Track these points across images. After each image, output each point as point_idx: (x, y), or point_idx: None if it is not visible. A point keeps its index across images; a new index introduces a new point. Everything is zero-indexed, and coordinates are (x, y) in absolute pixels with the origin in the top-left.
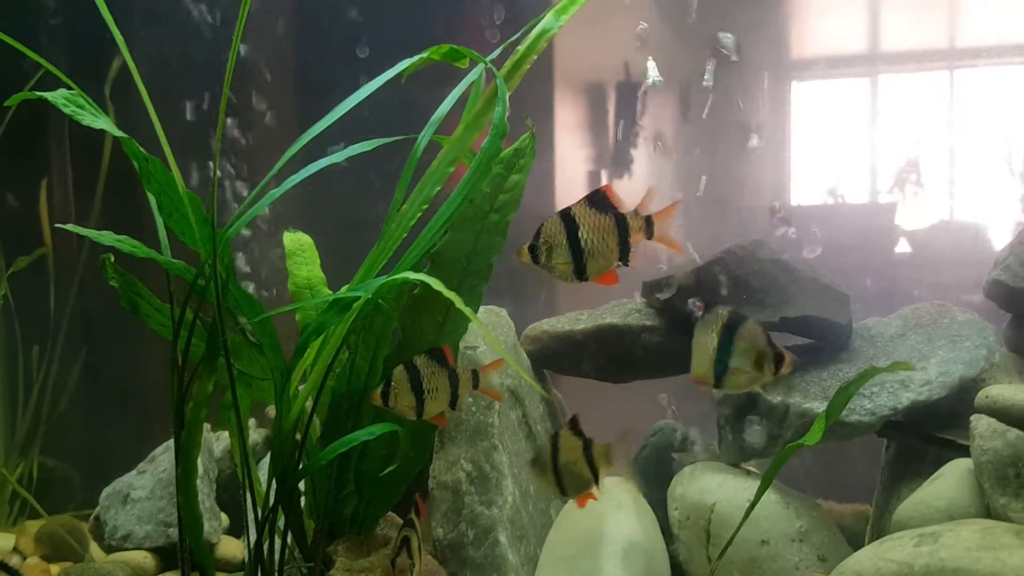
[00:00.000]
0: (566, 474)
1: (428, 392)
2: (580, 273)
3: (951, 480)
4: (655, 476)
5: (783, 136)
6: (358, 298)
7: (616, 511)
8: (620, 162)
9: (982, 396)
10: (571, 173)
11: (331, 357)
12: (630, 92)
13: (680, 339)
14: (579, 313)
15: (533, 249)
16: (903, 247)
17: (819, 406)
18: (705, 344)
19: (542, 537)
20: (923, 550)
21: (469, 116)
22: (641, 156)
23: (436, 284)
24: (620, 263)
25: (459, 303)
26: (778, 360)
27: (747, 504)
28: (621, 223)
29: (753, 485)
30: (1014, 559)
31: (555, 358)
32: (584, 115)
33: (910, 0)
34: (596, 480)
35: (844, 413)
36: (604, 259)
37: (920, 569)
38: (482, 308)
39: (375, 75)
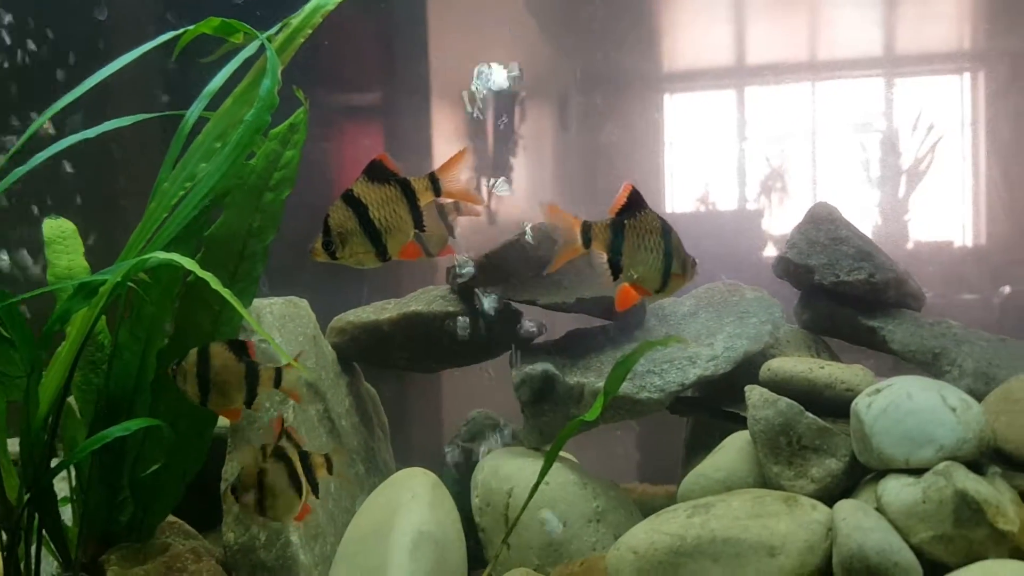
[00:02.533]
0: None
1: (216, 384)
2: (383, 254)
3: (730, 452)
4: (467, 466)
5: (656, 146)
6: (104, 282)
7: (410, 501)
8: (500, 170)
9: (764, 369)
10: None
11: (77, 348)
12: (508, 101)
13: (482, 323)
14: (386, 302)
15: (327, 245)
16: (771, 251)
17: None
18: (652, 250)
19: (342, 535)
20: (695, 521)
21: (239, 89)
22: (520, 164)
23: (207, 275)
24: (417, 230)
25: (229, 296)
26: (692, 264)
27: (545, 486)
28: (407, 189)
29: (553, 468)
30: (781, 526)
31: (363, 350)
32: (462, 125)
33: (774, 15)
34: (315, 491)
35: (635, 390)
36: (401, 232)
37: (692, 540)
38: (281, 299)
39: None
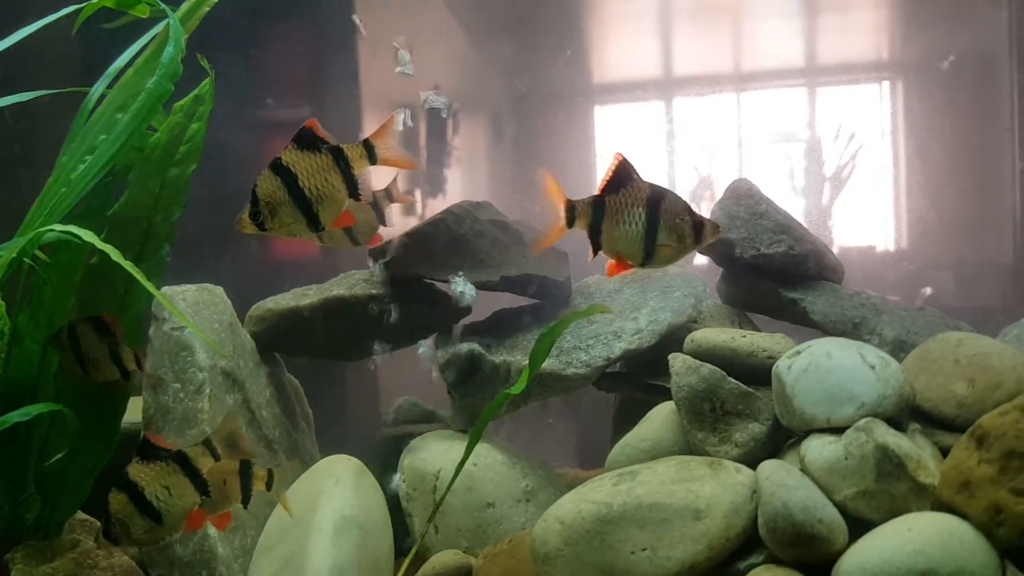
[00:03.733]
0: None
1: (89, 360)
2: (315, 225)
3: (655, 421)
4: (396, 453)
5: (588, 157)
6: None
7: (333, 487)
8: (433, 183)
9: (688, 340)
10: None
11: None
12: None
13: (408, 307)
14: (307, 288)
15: (255, 216)
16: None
17: None
18: (631, 221)
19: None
20: (621, 488)
21: (141, 60)
22: (454, 176)
23: (108, 248)
24: (352, 199)
25: (134, 271)
26: (699, 229)
27: (473, 468)
28: (339, 157)
29: (480, 448)
30: (706, 489)
31: (283, 338)
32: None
33: (699, 28)
34: (245, 502)
35: (561, 366)
36: (335, 202)
37: (619, 507)
38: (194, 286)
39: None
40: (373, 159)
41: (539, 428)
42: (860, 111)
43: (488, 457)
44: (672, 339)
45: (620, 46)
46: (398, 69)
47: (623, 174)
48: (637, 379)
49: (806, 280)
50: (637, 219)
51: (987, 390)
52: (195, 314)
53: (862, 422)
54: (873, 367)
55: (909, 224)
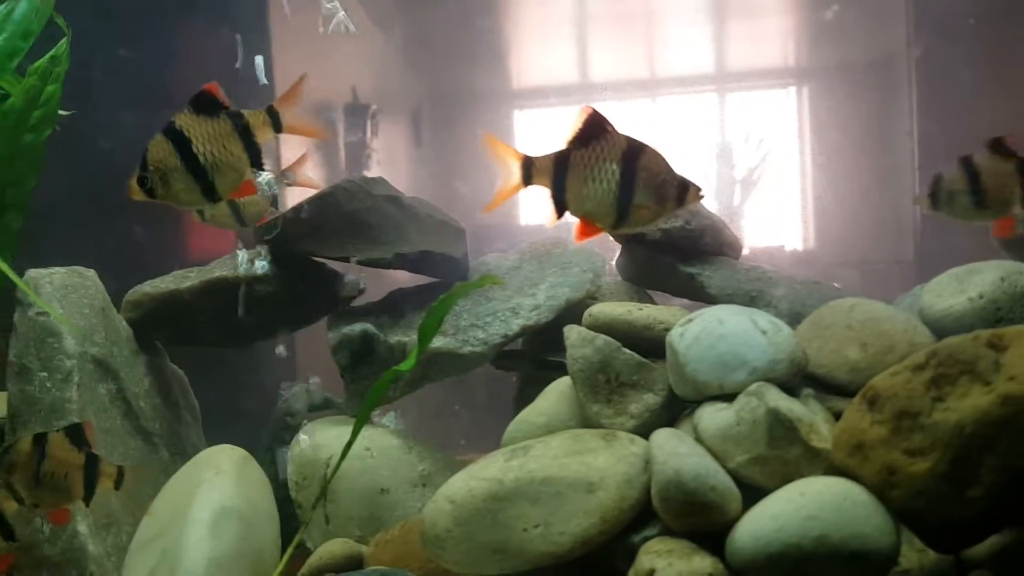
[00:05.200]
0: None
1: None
2: (210, 194)
3: (552, 396)
4: (288, 442)
5: None
6: None
7: (213, 477)
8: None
9: (586, 315)
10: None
11: None
12: (359, 114)
13: (297, 288)
14: (188, 271)
15: (143, 181)
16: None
17: (435, 341)
18: (602, 179)
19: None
20: (513, 464)
21: None
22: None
23: None
24: (255, 169)
25: None
26: (682, 191)
27: (366, 453)
28: (240, 123)
29: (372, 433)
30: (599, 461)
31: (164, 325)
32: (313, 140)
33: (614, 34)
34: (87, 499)
35: (457, 345)
36: (233, 171)
37: (511, 483)
38: (63, 268)
39: None
40: (278, 127)
41: (445, 415)
42: (769, 115)
43: (383, 442)
44: (571, 315)
45: (538, 51)
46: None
47: (594, 127)
48: (536, 356)
49: (704, 256)
50: (610, 177)
51: (880, 354)
52: (63, 298)
53: (753, 387)
54: (765, 332)
55: (816, 224)
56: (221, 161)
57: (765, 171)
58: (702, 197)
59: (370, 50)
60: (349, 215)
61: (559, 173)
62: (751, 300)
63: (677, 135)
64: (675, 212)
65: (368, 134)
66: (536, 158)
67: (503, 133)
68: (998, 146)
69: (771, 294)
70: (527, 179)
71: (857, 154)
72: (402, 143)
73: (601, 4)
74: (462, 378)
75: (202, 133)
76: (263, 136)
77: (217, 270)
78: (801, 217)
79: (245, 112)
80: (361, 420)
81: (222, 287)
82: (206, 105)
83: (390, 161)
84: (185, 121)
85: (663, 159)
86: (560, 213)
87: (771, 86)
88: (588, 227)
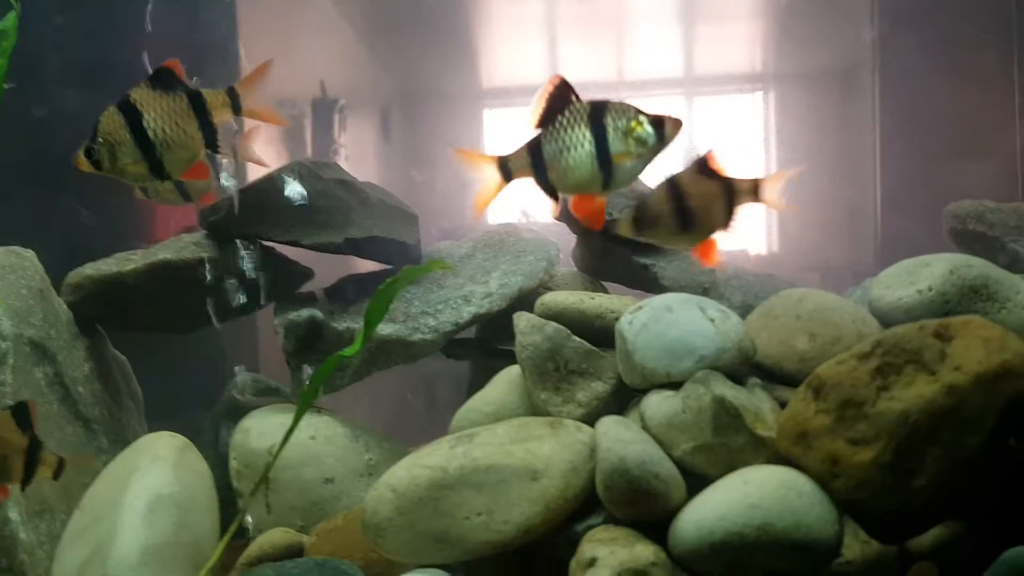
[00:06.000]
0: None
1: None
2: (158, 171)
3: (501, 384)
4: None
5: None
6: None
7: (150, 464)
8: None
9: (538, 304)
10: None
11: None
12: (327, 109)
13: (244, 272)
14: (131, 252)
15: (90, 152)
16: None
17: (383, 327)
18: (576, 145)
19: None
20: (458, 451)
21: None
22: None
23: None
24: (209, 150)
25: None
26: (659, 127)
27: (311, 442)
28: (197, 102)
29: (317, 421)
30: (544, 449)
31: (105, 308)
32: (279, 132)
33: (584, 36)
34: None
35: (407, 332)
36: (186, 149)
37: (455, 471)
38: (1, 248)
39: None
40: (237, 109)
41: (399, 406)
42: (736, 119)
43: (328, 430)
44: (525, 304)
45: (507, 51)
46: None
47: (558, 100)
48: (488, 345)
49: (659, 247)
50: (582, 139)
51: (827, 344)
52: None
53: (700, 374)
54: (713, 320)
55: (780, 229)
56: (173, 139)
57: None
58: (680, 128)
59: (340, 45)
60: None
61: (536, 159)
62: (704, 291)
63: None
64: (661, 150)
65: (336, 128)
66: (509, 155)
67: (472, 132)
68: (703, 166)
69: (724, 286)
70: (507, 177)
71: (820, 159)
72: (370, 139)
73: (571, 5)
74: (427, 370)
75: (156, 108)
76: (220, 117)
77: (160, 252)
78: (765, 222)
79: (204, 91)
80: (303, 407)
81: (165, 270)
82: (164, 81)
83: (358, 157)
84: (140, 95)
85: (629, 106)
86: (554, 196)
87: (739, 90)
88: (583, 199)
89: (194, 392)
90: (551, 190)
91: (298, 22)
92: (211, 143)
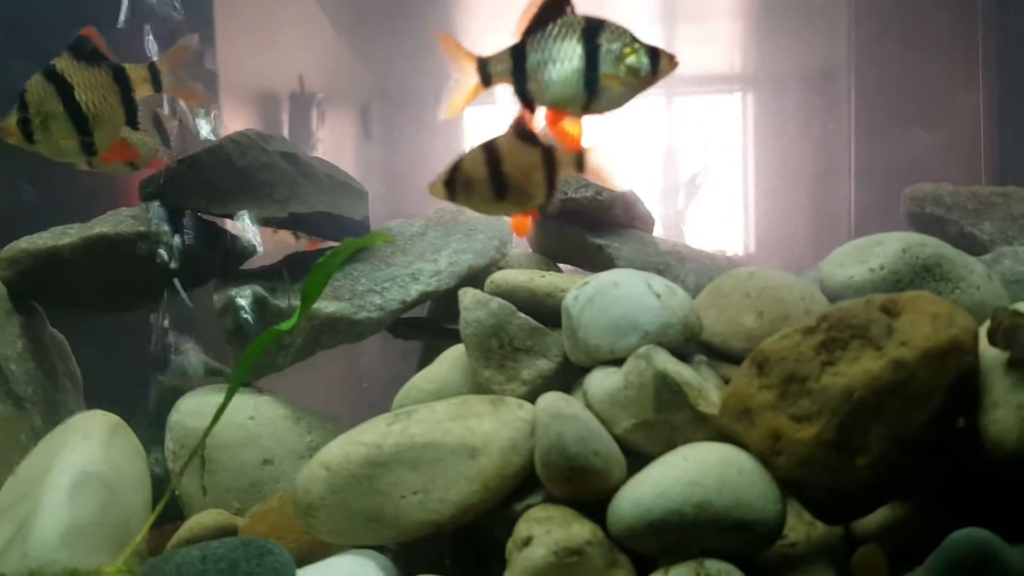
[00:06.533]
0: None
1: None
2: (88, 147)
3: (445, 362)
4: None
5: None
6: None
7: (78, 442)
8: None
9: (488, 282)
10: None
11: None
12: (305, 103)
13: (185, 247)
14: (68, 226)
15: (23, 123)
16: None
17: (327, 305)
18: (565, 59)
19: None
20: (395, 428)
21: None
22: None
23: None
24: (129, 126)
25: None
26: (654, 57)
27: (249, 422)
28: (120, 77)
29: (257, 401)
30: (484, 426)
31: (42, 284)
32: (256, 125)
33: None
34: None
35: (353, 310)
36: (111, 125)
37: (390, 448)
38: None
39: None
40: (158, 85)
41: (353, 392)
42: (714, 120)
43: (268, 411)
44: (475, 283)
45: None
46: None
47: (552, 8)
48: (437, 325)
49: (615, 228)
50: (571, 54)
51: (775, 322)
52: None
53: (642, 349)
54: (659, 295)
55: (756, 230)
56: (101, 113)
57: (708, 176)
58: (676, 65)
59: (320, 39)
60: (241, 171)
61: (518, 65)
62: (659, 273)
63: (625, 135)
64: (650, 83)
65: (314, 123)
66: (491, 56)
67: (453, 128)
68: (520, 130)
69: (679, 267)
70: (486, 80)
71: (797, 162)
72: (349, 134)
73: None
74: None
75: (83, 80)
76: (142, 93)
77: (98, 226)
78: (743, 222)
79: (127, 66)
80: (235, 384)
81: (103, 244)
82: (85, 52)
83: (336, 153)
84: (65, 65)
85: (627, 30)
86: (530, 107)
87: (718, 92)
88: (558, 115)
89: (139, 372)
90: (529, 101)
91: (277, 15)
92: (131, 119)
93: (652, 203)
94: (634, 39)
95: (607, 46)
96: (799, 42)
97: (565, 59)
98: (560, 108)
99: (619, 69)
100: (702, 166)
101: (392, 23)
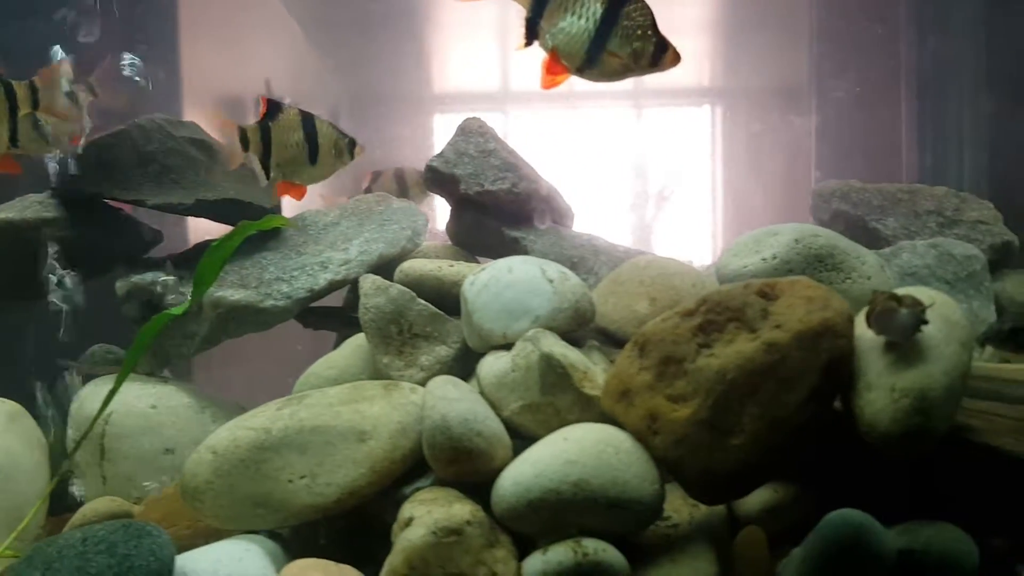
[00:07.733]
0: None
1: None
2: None
3: (346, 349)
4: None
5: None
6: None
7: None
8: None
9: (397, 272)
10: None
11: None
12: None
13: (86, 232)
14: None
15: None
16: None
17: (233, 293)
18: (583, 14)
19: None
20: (284, 412)
21: None
22: None
23: None
24: (10, 145)
25: None
26: (660, 50)
27: (151, 411)
28: (9, 92)
29: (160, 391)
30: (374, 409)
31: None
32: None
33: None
34: None
35: (259, 298)
36: None
37: (278, 432)
38: None
39: None
40: (35, 103)
41: (277, 387)
42: (683, 133)
43: (172, 400)
44: (386, 272)
45: (460, 56)
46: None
47: None
48: (346, 314)
49: (532, 221)
50: (591, 14)
51: (666, 307)
52: None
53: (530, 332)
54: (552, 281)
55: (725, 240)
56: None
57: (676, 187)
58: (679, 62)
59: (288, 44)
60: (146, 156)
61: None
62: (572, 266)
63: (594, 147)
64: (649, 72)
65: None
66: None
67: (422, 135)
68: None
69: (593, 259)
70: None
71: (762, 173)
72: None
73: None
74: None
75: None
76: (24, 109)
77: (3, 212)
78: (711, 232)
79: (14, 83)
80: (125, 370)
81: (8, 231)
82: None
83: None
84: None
85: (650, 13)
86: (529, 40)
87: (687, 104)
88: (555, 65)
89: (49, 361)
90: (532, 33)
91: (244, 20)
92: (13, 138)
93: (623, 213)
94: (652, 24)
95: (624, 22)
96: (765, 57)
97: (582, 16)
98: (556, 58)
99: (624, 49)
100: (671, 177)
101: (362, 29)
